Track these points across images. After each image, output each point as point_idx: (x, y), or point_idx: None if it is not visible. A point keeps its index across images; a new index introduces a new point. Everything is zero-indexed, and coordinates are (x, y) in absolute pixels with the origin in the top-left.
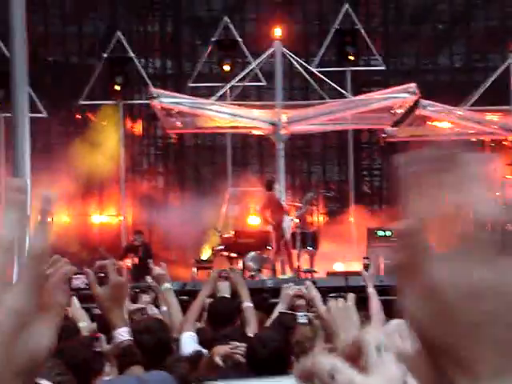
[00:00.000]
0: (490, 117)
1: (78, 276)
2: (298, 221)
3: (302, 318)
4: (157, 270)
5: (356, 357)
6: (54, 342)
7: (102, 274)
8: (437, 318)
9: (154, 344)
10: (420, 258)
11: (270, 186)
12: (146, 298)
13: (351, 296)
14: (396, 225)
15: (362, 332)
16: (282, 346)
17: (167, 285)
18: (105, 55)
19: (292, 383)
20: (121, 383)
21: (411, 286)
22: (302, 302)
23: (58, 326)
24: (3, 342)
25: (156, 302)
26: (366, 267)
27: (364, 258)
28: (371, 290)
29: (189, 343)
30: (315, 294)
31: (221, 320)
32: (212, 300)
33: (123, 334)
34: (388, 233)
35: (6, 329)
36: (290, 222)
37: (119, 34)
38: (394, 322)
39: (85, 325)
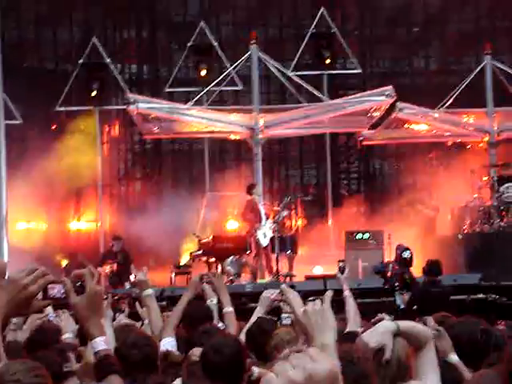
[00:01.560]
0: (465, 119)
1: (54, 285)
2: (276, 225)
3: (285, 319)
4: (139, 275)
5: None
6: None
7: (80, 283)
8: None
9: (140, 360)
10: None
11: (249, 191)
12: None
13: (328, 297)
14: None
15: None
16: (237, 352)
17: (149, 291)
18: (80, 61)
19: None
20: None
21: None
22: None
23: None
24: None
25: (133, 309)
26: (342, 270)
27: (339, 261)
28: (347, 293)
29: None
30: (292, 298)
31: (195, 323)
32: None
33: (101, 343)
34: (366, 236)
35: None
36: (272, 226)
37: (95, 39)
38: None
39: (69, 336)
